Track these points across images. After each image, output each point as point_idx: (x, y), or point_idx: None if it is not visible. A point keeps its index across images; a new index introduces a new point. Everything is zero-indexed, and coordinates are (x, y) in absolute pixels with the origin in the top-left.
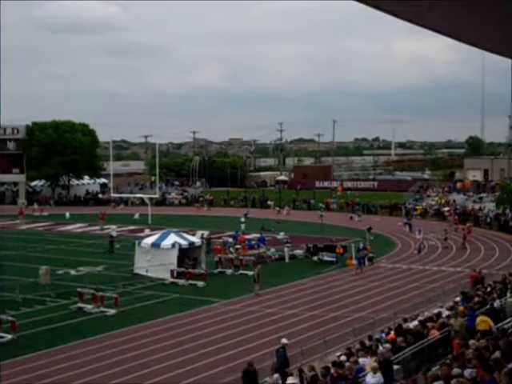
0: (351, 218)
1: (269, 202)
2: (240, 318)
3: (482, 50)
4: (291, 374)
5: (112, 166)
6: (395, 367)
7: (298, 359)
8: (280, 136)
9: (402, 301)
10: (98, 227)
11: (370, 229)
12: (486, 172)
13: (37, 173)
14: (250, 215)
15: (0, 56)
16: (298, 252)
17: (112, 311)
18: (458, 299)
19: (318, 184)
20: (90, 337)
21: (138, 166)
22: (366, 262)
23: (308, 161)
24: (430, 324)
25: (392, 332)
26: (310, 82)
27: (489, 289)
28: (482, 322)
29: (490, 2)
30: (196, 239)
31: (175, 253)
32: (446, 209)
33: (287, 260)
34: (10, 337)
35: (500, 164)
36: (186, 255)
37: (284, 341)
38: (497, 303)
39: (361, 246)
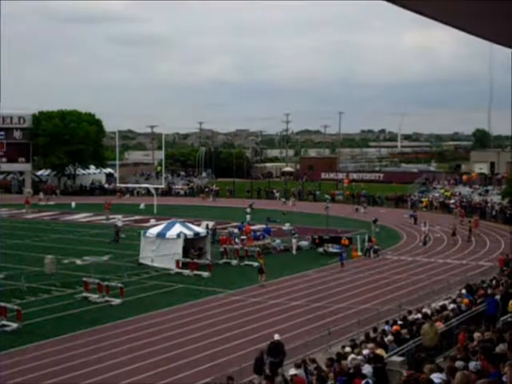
0: (357, 209)
1: (275, 193)
2: (245, 309)
3: (484, 40)
4: (299, 366)
5: (119, 156)
6: (400, 359)
7: (302, 351)
8: (286, 127)
9: (406, 293)
10: (103, 217)
11: (375, 221)
12: (492, 165)
13: (43, 162)
14: (256, 206)
15: (0, 48)
16: (304, 243)
17: (117, 301)
18: (463, 291)
19: (323, 175)
20: (94, 326)
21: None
22: (372, 254)
23: (323, 152)
24: (434, 316)
25: (397, 323)
26: (316, 73)
27: (494, 282)
28: None
29: None
30: (201, 229)
31: (180, 243)
32: (452, 201)
33: (294, 252)
34: (15, 325)
35: (506, 157)
36: (192, 245)
37: (276, 336)
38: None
39: (366, 237)
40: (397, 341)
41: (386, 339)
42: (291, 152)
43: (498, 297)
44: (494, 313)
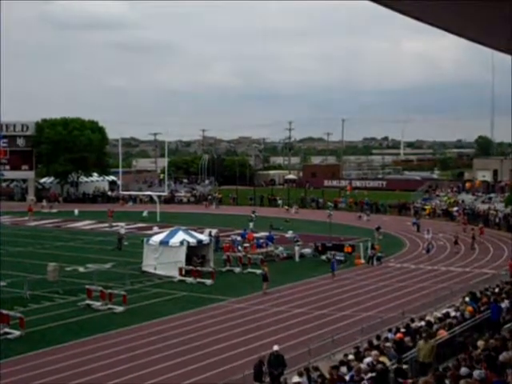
0: (360, 217)
1: (278, 201)
2: (248, 317)
3: (483, 46)
4: (302, 374)
5: (121, 164)
6: (403, 367)
7: (306, 358)
8: (289, 135)
9: (410, 300)
10: (106, 224)
11: (378, 228)
12: (495, 172)
13: (46, 170)
14: (259, 214)
15: (0, 53)
16: (307, 251)
17: (120, 308)
18: (466, 299)
19: (326, 183)
20: (97, 334)
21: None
22: (375, 262)
23: (327, 160)
24: (437, 324)
25: (400, 331)
26: (319, 80)
27: (497, 290)
28: None
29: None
30: (204, 237)
31: (183, 250)
32: (455, 209)
33: (297, 259)
34: (18, 333)
35: (509, 164)
36: (195, 253)
37: (276, 347)
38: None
39: (369, 245)
40: (400, 348)
41: (386, 345)
42: (295, 159)
43: (503, 304)
44: (498, 319)
